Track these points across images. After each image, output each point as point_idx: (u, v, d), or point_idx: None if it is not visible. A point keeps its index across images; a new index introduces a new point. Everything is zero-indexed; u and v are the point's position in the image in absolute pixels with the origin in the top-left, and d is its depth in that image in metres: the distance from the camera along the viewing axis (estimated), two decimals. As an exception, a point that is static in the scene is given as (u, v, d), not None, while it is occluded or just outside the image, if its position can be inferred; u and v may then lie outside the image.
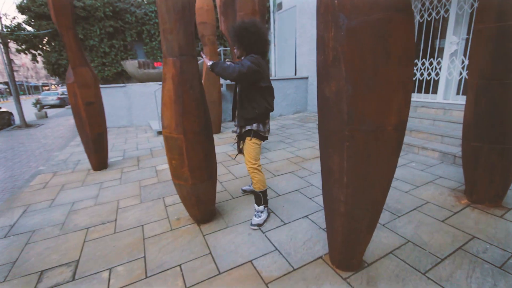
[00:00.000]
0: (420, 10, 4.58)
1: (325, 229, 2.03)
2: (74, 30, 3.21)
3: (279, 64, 8.77)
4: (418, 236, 1.92)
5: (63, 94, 19.95)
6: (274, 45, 8.77)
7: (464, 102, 4.06)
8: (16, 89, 8.78)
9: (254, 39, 1.94)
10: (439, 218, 2.14)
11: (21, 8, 8.57)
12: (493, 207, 2.25)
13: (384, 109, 1.18)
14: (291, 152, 4.00)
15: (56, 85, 47.00)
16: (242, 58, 2.02)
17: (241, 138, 2.19)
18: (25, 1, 8.28)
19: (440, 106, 4.18)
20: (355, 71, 1.15)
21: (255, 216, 2.16)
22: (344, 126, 1.22)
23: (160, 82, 6.83)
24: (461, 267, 1.61)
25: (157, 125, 6.00)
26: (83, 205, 2.68)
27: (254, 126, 2.05)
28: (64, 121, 10.69)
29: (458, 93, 4.29)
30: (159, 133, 5.79)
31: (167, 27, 1.76)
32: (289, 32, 8.01)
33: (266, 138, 2.18)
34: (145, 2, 9.38)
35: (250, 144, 2.09)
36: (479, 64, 2.05)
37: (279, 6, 8.26)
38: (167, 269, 1.71)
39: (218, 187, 2.89)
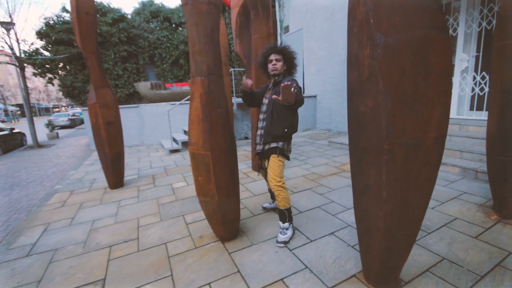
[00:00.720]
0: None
1: (354, 247, 1.99)
2: (98, 54, 3.37)
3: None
4: (452, 253, 1.85)
5: (73, 115, 20.50)
6: (282, 65, 9.00)
7: (478, 117, 4.08)
8: (30, 111, 9.06)
9: (294, 63, 2.16)
10: (471, 234, 2.08)
11: (40, 35, 9.06)
12: (526, 223, 2.19)
13: (424, 123, 1.19)
14: (306, 169, 3.98)
15: (66, 107, 48.43)
16: (285, 79, 2.08)
17: (263, 155, 2.20)
18: (44, 28, 8.76)
19: (454, 122, 4.19)
20: (393, 86, 1.18)
21: (281, 233, 2.12)
22: (383, 141, 1.23)
23: (173, 102, 7.02)
24: (503, 283, 1.54)
25: (169, 144, 6.07)
26: (104, 223, 2.66)
27: (280, 144, 2.08)
28: (74, 141, 10.88)
29: (471, 109, 4.30)
30: (172, 151, 5.84)
31: (197, 49, 1.85)
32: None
33: (288, 158, 2.19)
34: (158, 29, 9.85)
35: (275, 161, 2.09)
36: (502, 80, 2.08)
37: (286, 29, 8.59)
38: (197, 289, 1.66)
39: (238, 205, 2.86)
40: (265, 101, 2.21)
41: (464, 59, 4.24)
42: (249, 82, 2.12)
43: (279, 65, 2.11)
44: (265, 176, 2.29)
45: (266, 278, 1.71)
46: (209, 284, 1.69)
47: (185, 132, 6.72)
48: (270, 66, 2.14)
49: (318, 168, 4.00)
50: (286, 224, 2.14)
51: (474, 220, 2.28)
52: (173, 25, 10.39)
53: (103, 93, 3.40)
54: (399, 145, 1.22)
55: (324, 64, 6.97)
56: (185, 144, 6.13)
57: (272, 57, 2.12)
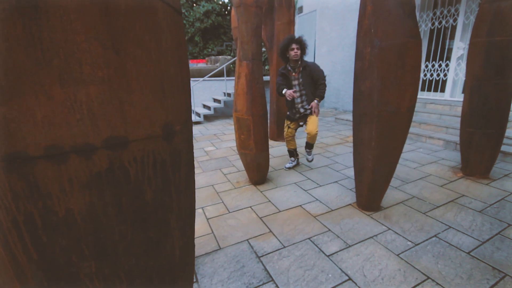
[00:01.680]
0: (432, 19, 5.19)
1: (351, 189, 2.76)
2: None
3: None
4: (421, 194, 2.62)
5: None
6: (294, 46, 9.43)
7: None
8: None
9: (305, 48, 2.92)
10: (439, 184, 2.83)
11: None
12: (482, 178, 2.92)
13: (401, 97, 1.88)
14: (316, 140, 4.70)
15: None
16: (301, 65, 2.93)
17: (304, 116, 3.12)
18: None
19: (446, 103, 4.81)
20: (383, 74, 1.86)
21: (308, 154, 3.34)
22: (374, 108, 1.94)
23: (195, 79, 7.64)
24: (451, 210, 2.31)
25: (192, 117, 6.80)
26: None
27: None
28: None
29: (463, 92, 4.89)
30: (195, 123, 6.57)
31: (245, 40, 2.50)
32: (308, 34, 8.66)
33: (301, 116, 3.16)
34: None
35: (315, 117, 2.97)
36: (474, 69, 2.72)
37: (300, 9, 8.91)
38: (242, 208, 2.46)
39: (261, 163, 3.63)
40: (295, 82, 3.00)
41: (460, 47, 4.77)
42: (294, 95, 2.93)
43: (298, 52, 2.83)
44: (297, 127, 3.24)
45: (289, 205, 2.50)
46: (250, 207, 2.49)
47: (204, 106, 7.41)
48: (292, 53, 2.83)
49: (326, 139, 4.72)
50: (312, 151, 3.33)
51: (444, 176, 3.03)
52: (189, 2, 10.66)
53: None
54: (384, 111, 1.92)
55: (335, 45, 7.44)
56: (206, 117, 6.84)
57: (294, 45, 2.82)
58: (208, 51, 11.01)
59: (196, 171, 3.45)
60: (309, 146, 3.27)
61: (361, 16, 1.93)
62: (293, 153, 3.38)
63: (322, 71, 2.93)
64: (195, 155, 4.09)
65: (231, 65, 8.63)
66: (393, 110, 1.91)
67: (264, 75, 7.93)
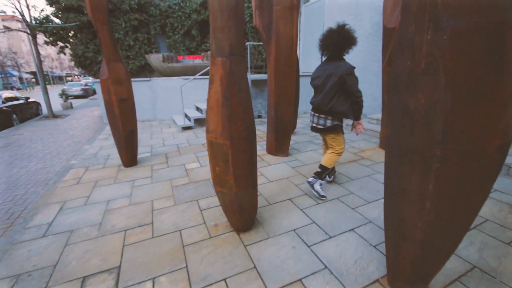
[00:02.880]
0: None
1: (376, 247, 1.88)
2: (109, 25, 3.16)
3: (304, 58, 8.49)
4: (484, 261, 1.72)
5: (86, 85, 20.53)
6: (300, 40, 8.47)
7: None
8: (44, 80, 9.03)
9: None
10: (504, 239, 1.93)
11: (49, 0, 8.74)
12: None
13: (489, 126, 0.99)
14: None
15: (79, 76, 48.62)
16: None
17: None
18: (54, -7, 8.42)
19: None
20: (458, 81, 0.97)
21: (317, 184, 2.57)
22: (435, 145, 1.05)
23: (185, 77, 6.80)
24: (547, 304, 1.41)
25: (181, 121, 5.97)
26: (118, 204, 2.65)
27: None
28: (89, 112, 10.95)
29: None
30: (184, 128, 5.75)
31: (218, 25, 1.63)
32: (316, 26, 7.69)
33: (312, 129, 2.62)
34: (169, -5, 9.31)
35: None
36: None
37: (307, -2, 7.93)
38: (212, 283, 1.62)
39: (252, 191, 2.78)
40: None
41: None
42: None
43: None
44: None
45: (283, 277, 1.65)
46: (224, 280, 1.65)
47: (197, 108, 6.57)
48: None
49: (336, 154, 3.82)
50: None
51: (506, 223, 2.12)
52: (186, -8, 9.76)
53: (116, 67, 3.24)
54: (455, 151, 1.04)
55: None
56: (197, 121, 6.01)
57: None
58: (207, 45, 10.13)
59: (165, 203, 2.62)
60: (321, 170, 2.64)
61: (415, -26, 1.04)
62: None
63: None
64: (172, 175, 3.27)
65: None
66: (471, 151, 1.03)
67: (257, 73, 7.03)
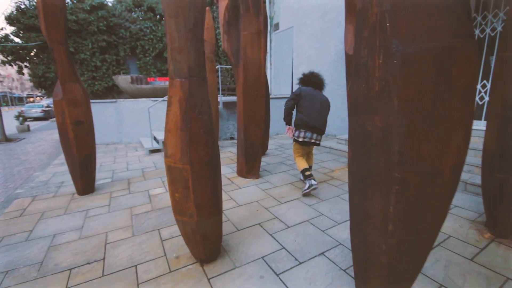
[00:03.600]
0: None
1: (346, 271, 1.82)
2: (66, 45, 2.99)
3: (275, 83, 8.76)
4: (450, 280, 1.72)
5: (48, 106, 19.27)
6: (270, 65, 8.79)
7: (476, 127, 4.00)
8: (-2, 101, 8.31)
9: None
10: (467, 256, 1.96)
11: (9, 19, 8.29)
12: (520, 243, 2.11)
13: (443, 148, 1.01)
14: (294, 176, 3.80)
15: (41, 97, 45.68)
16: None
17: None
18: (14, 13, 8.02)
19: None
20: (410, 104, 0.99)
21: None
22: (394, 167, 1.04)
23: (154, 99, 6.62)
24: (511, 323, 1.41)
25: (149, 143, 5.71)
26: (66, 238, 2.34)
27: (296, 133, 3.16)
28: (47, 136, 10.14)
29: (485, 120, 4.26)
30: (152, 151, 5.49)
31: (176, 46, 1.58)
32: (285, 52, 8.06)
33: (300, 142, 3.17)
34: (140, 18, 9.30)
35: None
36: (504, 93, 1.97)
37: (276, 26, 8.36)
38: (168, 329, 1.42)
39: (220, 217, 2.63)
40: None
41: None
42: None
43: None
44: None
45: (250, 313, 1.50)
46: (183, 321, 1.46)
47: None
48: None
49: (306, 175, 3.82)
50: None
51: (468, 238, 2.18)
52: (158, 16, 9.84)
53: (72, 88, 3.03)
54: (413, 173, 1.03)
55: (315, 64, 6.80)
56: (166, 143, 5.77)
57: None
58: (179, 68, 10.12)
59: (122, 235, 2.37)
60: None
61: (365, 1, 1.08)
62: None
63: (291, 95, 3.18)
64: (133, 202, 3.01)
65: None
66: (428, 172, 1.03)
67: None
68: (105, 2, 8.51)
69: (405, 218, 1.09)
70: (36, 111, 18.05)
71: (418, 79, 0.96)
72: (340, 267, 1.87)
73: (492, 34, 3.79)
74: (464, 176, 3.20)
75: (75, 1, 8.86)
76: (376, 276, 1.29)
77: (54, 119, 18.43)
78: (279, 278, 1.77)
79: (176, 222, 1.86)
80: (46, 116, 18.24)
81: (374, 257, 1.25)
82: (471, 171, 3.24)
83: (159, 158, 5.11)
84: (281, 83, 8.52)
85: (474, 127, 3.99)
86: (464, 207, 2.73)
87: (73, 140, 3.06)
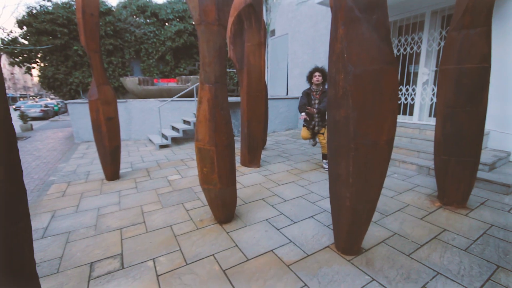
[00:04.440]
0: (397, 45, 5.38)
1: (329, 226, 2.47)
2: (100, 53, 3.59)
3: (272, 84, 9.43)
4: (402, 230, 2.39)
5: (46, 106, 19.58)
6: (267, 68, 9.46)
7: (435, 123, 4.76)
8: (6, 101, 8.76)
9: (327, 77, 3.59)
10: (418, 216, 2.64)
11: (21, 23, 8.77)
12: (460, 208, 2.79)
13: (379, 129, 1.67)
14: (290, 165, 4.46)
15: (35, 97, 45.42)
16: (322, 90, 3.98)
17: (318, 130, 4.07)
18: (26, 17, 8.50)
19: (415, 126, 4.86)
20: (359, 103, 1.64)
21: (325, 164, 4.19)
22: (351, 141, 1.70)
23: (163, 99, 7.22)
24: (436, 250, 2.08)
25: (159, 139, 6.30)
26: (109, 210, 2.95)
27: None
28: (52, 134, 10.59)
29: (430, 115, 5.01)
30: (161, 146, 6.08)
31: (207, 61, 2.22)
32: (281, 56, 8.74)
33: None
34: (144, 23, 9.86)
35: (325, 130, 3.92)
36: (445, 96, 2.65)
37: (272, 32, 9.03)
38: (203, 258, 2.05)
39: (230, 195, 3.26)
40: (316, 100, 3.98)
41: (425, 73, 4.92)
42: (314, 110, 3.94)
43: (320, 78, 3.88)
44: (313, 137, 4.24)
45: (259, 250, 2.14)
46: (213, 255, 2.09)
47: (173, 128, 6.96)
48: (314, 78, 3.90)
49: (300, 164, 4.49)
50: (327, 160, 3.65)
51: (422, 206, 2.86)
52: (160, 21, 10.43)
53: (105, 90, 3.63)
54: (362, 144, 1.69)
55: (307, 68, 7.45)
56: (174, 140, 6.38)
57: (316, 73, 3.89)
58: (180, 70, 10.71)
59: (154, 207, 2.99)
60: (324, 156, 4.24)
61: (333, 39, 1.74)
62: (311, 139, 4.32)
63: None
64: (156, 185, 3.62)
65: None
66: (371, 143, 1.69)
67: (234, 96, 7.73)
68: (112, 8, 9.05)
69: (359, 174, 1.75)
70: (35, 111, 18.36)
71: (363, 89, 1.62)
72: (324, 224, 2.52)
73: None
74: (428, 163, 3.90)
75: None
76: (344, 218, 1.94)
77: (53, 118, 18.75)
78: (279, 231, 2.42)
79: (203, 191, 2.49)
80: (44, 115, 18.57)
81: (342, 203, 1.90)
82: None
83: (169, 152, 5.71)
84: (277, 85, 9.20)
85: (434, 123, 4.73)
86: (425, 186, 3.42)
87: (105, 133, 3.66)
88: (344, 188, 1.84)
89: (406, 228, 2.43)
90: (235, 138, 7.22)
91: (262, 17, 3.97)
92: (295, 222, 2.57)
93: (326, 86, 3.93)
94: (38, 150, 7.43)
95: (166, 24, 10.49)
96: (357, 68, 1.62)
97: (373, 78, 1.61)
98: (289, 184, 3.58)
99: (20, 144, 8.58)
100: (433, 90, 4.86)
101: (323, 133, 4.06)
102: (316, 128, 4.06)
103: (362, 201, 1.83)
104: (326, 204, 2.93)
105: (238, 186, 3.55)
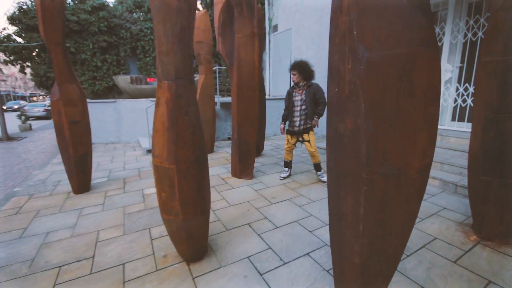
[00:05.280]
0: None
1: (329, 271, 1.85)
2: (63, 46, 3.05)
3: (274, 83, 8.80)
4: (431, 281, 1.75)
5: (50, 105, 19.46)
6: (269, 65, 8.84)
7: (459, 129, 4.07)
8: (1, 100, 8.43)
9: (308, 70, 3.36)
10: (450, 258, 1.99)
11: (12, 20, 8.41)
12: (504, 245, 2.13)
13: (407, 150, 1.04)
14: (287, 177, 3.83)
15: (44, 96, 46.04)
16: (306, 84, 3.40)
17: (303, 132, 3.45)
18: (16, 13, 8.13)
19: (437, 132, 4.16)
20: (376, 107, 1.02)
21: (321, 176, 3.57)
22: (362, 168, 1.08)
23: (153, 99, 6.68)
24: (485, 323, 1.44)
25: (147, 143, 5.76)
26: (59, 236, 2.40)
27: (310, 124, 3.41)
28: (48, 135, 10.24)
29: (453, 119, 4.30)
30: (149, 151, 5.55)
31: (164, 50, 1.63)
32: (284, 53, 8.10)
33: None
34: (141, 19, 9.39)
35: (313, 134, 3.49)
36: (486, 97, 2.00)
37: (275, 28, 8.41)
38: (151, 324, 1.46)
39: (210, 217, 2.67)
40: (298, 97, 3.40)
41: (448, 70, 4.22)
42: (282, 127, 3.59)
43: (295, 77, 3.38)
44: (296, 142, 3.58)
45: (231, 310, 1.54)
46: (165, 317, 1.50)
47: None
48: (292, 77, 3.41)
49: (300, 176, 3.86)
50: (321, 171, 3.56)
51: (453, 240, 2.21)
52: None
53: (68, 89, 3.09)
54: (379, 174, 1.07)
55: (312, 65, 6.84)
56: (163, 143, 5.82)
57: (292, 72, 3.38)
58: (179, 69, 10.21)
59: (113, 233, 2.42)
60: (316, 167, 3.57)
61: (336, 10, 1.12)
62: (288, 164, 3.71)
63: (323, 92, 3.18)
64: (127, 201, 3.06)
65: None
66: (393, 173, 1.06)
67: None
68: (106, 3, 8.60)
69: (374, 219, 1.13)
70: (38, 110, 18.21)
71: (382, 83, 1.00)
72: (323, 268, 1.90)
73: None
74: (454, 178, 3.22)
75: (76, 2, 8.97)
76: (351, 275, 1.33)
77: (56, 118, 18.57)
78: (263, 278, 1.81)
79: (163, 221, 1.90)
80: (48, 115, 18.40)
81: (349, 257, 1.28)
82: (462, 173, 3.26)
83: (156, 158, 5.16)
84: (279, 84, 8.57)
85: (459, 128, 4.03)
86: (453, 209, 2.75)
87: (69, 139, 3.12)
88: (351, 236, 1.22)
89: (436, 277, 1.78)
90: (230, 141, 6.64)
91: (254, 2, 3.36)
92: (285, 263, 1.95)
93: (314, 81, 3.46)
94: (27, 152, 7.03)
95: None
96: (374, 52, 1.00)
97: (399, 67, 0.98)
98: (284, 203, 2.96)
99: (12, 145, 8.25)
100: (457, 89, 4.15)
101: (308, 141, 3.44)
102: (302, 127, 3.42)
103: (378, 258, 1.21)
104: (328, 234, 2.29)
105: (222, 204, 2.96)
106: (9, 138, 9.16)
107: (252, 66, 3.48)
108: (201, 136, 1.82)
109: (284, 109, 3.54)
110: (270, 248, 2.14)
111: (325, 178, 3.40)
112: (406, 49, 0.98)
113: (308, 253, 2.06)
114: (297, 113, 3.40)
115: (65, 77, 3.07)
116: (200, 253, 1.99)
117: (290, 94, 3.47)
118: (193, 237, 1.84)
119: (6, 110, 11.08)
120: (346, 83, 1.10)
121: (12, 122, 12.33)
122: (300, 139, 3.50)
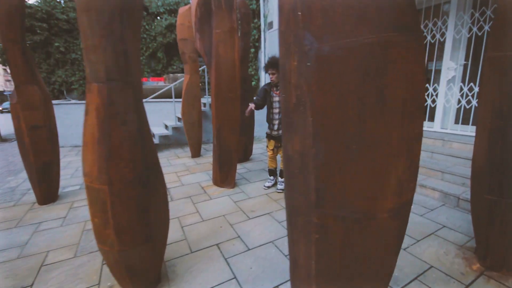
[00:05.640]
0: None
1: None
2: (22, 44, 2.77)
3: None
4: (423, 328, 1.42)
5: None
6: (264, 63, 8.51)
7: (463, 133, 3.70)
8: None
9: None
10: (448, 293, 1.66)
11: None
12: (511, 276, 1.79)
13: (376, 185, 0.72)
14: (273, 186, 3.52)
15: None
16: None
17: (280, 138, 3.06)
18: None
19: (437, 136, 3.81)
20: (329, 123, 0.70)
21: (279, 184, 3.30)
22: (312, 209, 0.76)
23: (145, 99, 6.42)
24: None
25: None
26: (4, 257, 2.12)
27: None
28: (42, 136, 10.03)
29: (457, 122, 3.93)
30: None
31: (90, 44, 1.32)
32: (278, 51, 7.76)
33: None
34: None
35: None
36: (493, 99, 1.66)
37: (270, 25, 8.07)
38: None
39: (177, 234, 2.37)
40: (277, 98, 3.06)
41: (451, 68, 3.85)
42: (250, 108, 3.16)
43: (274, 77, 3.00)
44: (277, 153, 3.27)
45: None
46: None
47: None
48: (270, 76, 3.01)
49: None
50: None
51: (452, 270, 1.87)
52: (151, 15, 9.64)
53: (28, 91, 2.81)
54: (336, 218, 0.75)
55: (307, 65, 6.50)
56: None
57: (269, 71, 2.97)
58: (173, 68, 9.90)
59: (63, 255, 2.13)
60: (282, 174, 3.14)
61: (277, -16, 0.80)
62: (273, 172, 3.39)
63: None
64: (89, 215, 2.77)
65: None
66: (356, 218, 0.74)
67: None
68: (97, 1, 8.37)
69: (332, 278, 0.81)
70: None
71: (337, 88, 0.68)
72: (294, 305, 1.58)
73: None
74: (456, 190, 2.87)
75: (66, 0, 8.72)
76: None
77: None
78: (219, 318, 1.50)
79: (100, 252, 1.60)
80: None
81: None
82: (465, 184, 2.91)
83: (139, 162, 4.88)
84: (275, 84, 8.24)
85: (462, 132, 3.67)
86: (454, 227, 2.41)
87: (29, 146, 2.85)
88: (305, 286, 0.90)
89: (429, 323, 1.45)
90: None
91: (234, -5, 3.04)
92: (249, 299, 1.64)
93: None
94: (15, 155, 6.82)
95: (157, 17, 9.70)
96: (325, 42, 0.68)
97: (364, 64, 0.66)
98: (263, 218, 2.64)
99: (4, 146, 8.11)
100: (461, 89, 3.78)
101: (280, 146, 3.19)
102: (281, 131, 3.06)
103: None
104: (306, 260, 1.98)
105: (194, 219, 2.65)
106: (2, 139, 9.00)
107: (231, 64, 3.16)
108: (145, 150, 1.51)
109: (256, 98, 3.17)
110: (235, 277, 1.82)
111: (281, 187, 3.27)
112: (373, 37, 0.65)
113: (277, 286, 1.74)
114: (276, 116, 3.13)
115: (24, 78, 2.79)
116: (151, 285, 1.69)
117: (267, 92, 3.11)
118: (134, 271, 1.54)
119: (1, 111, 10.92)
120: (292, 87, 0.78)
121: (10, 123, 12.19)
122: (278, 144, 3.21)
